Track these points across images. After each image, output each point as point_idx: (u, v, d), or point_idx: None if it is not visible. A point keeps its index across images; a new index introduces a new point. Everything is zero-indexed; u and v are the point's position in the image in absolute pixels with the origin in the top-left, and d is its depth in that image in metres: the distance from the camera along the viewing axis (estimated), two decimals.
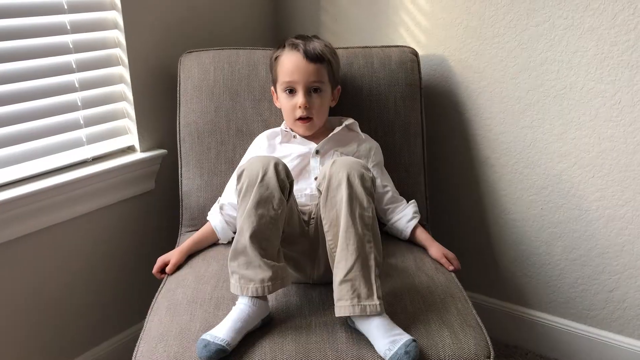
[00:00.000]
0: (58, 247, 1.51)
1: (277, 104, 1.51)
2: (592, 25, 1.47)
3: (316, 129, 1.46)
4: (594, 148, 1.54)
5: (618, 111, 1.49)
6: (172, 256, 1.39)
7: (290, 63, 1.42)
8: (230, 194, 1.45)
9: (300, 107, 1.41)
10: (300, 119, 1.43)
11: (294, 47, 1.43)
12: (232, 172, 1.48)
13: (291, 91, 1.43)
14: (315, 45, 1.43)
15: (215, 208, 1.46)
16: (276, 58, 1.47)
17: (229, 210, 1.43)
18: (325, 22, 1.91)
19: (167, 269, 1.37)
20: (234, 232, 1.41)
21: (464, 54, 1.67)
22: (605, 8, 1.44)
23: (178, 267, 1.38)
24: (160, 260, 1.39)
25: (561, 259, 1.68)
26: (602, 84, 1.49)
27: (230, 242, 1.42)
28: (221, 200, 1.47)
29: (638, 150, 1.48)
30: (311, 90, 1.42)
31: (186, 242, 1.43)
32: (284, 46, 1.46)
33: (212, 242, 1.46)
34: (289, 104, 1.43)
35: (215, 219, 1.44)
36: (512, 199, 1.72)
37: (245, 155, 1.51)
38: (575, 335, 1.71)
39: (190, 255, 1.41)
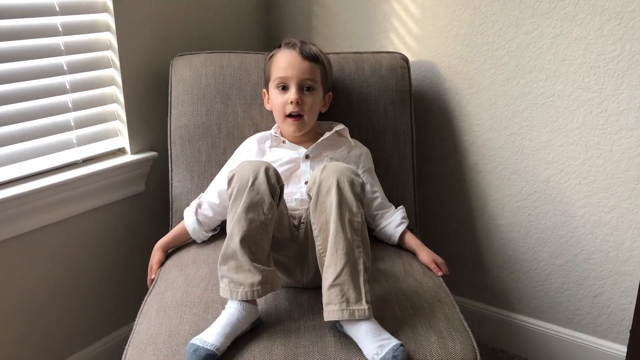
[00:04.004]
0: (48, 249, 1.51)
1: (268, 107, 1.52)
2: (579, 34, 1.49)
3: (306, 129, 1.46)
4: (581, 155, 1.57)
5: (604, 119, 1.51)
6: (152, 259, 1.43)
7: (285, 59, 1.43)
8: (212, 192, 1.46)
9: (291, 102, 1.41)
10: (290, 115, 1.43)
11: (290, 45, 1.45)
12: None
13: (284, 88, 1.43)
14: (311, 47, 1.46)
15: (192, 206, 1.47)
16: (271, 57, 1.48)
17: (206, 209, 1.44)
18: (316, 26, 1.92)
19: (153, 271, 1.41)
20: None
21: (454, 61, 1.69)
22: (592, 18, 1.46)
23: (163, 262, 1.43)
24: (150, 279, 1.42)
25: (547, 265, 1.70)
26: (589, 92, 1.51)
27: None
28: (202, 197, 1.48)
29: (623, 158, 1.51)
30: (304, 88, 1.43)
31: (164, 237, 1.46)
32: (280, 46, 1.48)
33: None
34: (281, 100, 1.43)
35: (188, 219, 1.45)
36: (499, 204, 1.73)
37: (233, 156, 1.51)
38: (561, 339, 1.73)
39: (180, 258, 1.42)
